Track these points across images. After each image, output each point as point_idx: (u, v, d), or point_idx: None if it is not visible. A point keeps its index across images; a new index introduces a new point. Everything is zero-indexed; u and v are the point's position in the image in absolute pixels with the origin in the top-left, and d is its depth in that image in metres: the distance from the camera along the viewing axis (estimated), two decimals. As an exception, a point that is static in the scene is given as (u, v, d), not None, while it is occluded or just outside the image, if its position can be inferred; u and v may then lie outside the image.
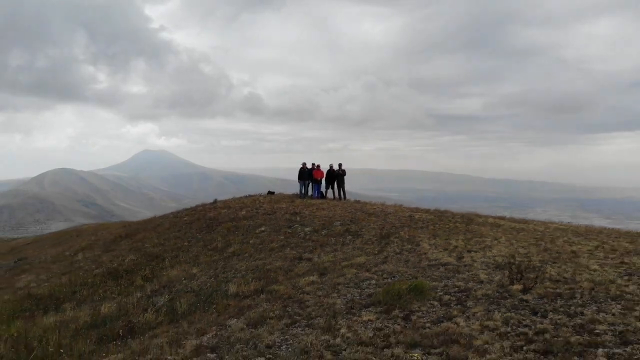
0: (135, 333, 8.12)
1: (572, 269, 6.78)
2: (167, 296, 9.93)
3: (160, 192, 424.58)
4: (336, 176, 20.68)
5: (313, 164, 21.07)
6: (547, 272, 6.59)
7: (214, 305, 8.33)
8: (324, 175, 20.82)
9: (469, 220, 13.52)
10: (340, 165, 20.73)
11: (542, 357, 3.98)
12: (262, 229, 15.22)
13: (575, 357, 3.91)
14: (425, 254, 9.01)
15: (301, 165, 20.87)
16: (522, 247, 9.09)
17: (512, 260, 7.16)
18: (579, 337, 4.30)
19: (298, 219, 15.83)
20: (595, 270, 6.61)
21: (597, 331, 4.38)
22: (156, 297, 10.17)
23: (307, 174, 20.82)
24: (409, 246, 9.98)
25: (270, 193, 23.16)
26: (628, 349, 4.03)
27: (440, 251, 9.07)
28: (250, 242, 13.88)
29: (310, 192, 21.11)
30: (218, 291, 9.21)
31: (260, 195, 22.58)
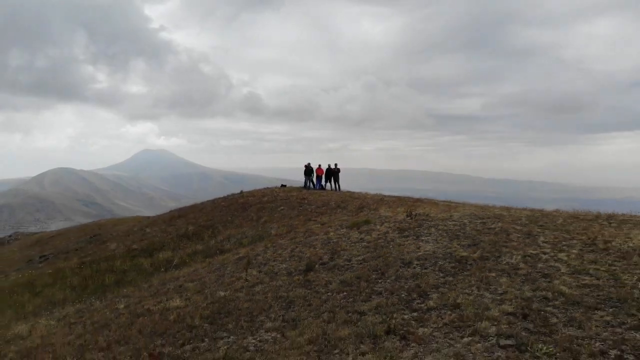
0: (225, 252, 15.39)
1: (442, 214, 14.01)
2: (233, 240, 17.24)
3: (160, 192, 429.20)
4: (333, 173, 27.99)
5: (309, 164, 28.51)
6: (429, 215, 13.83)
7: (265, 239, 15.61)
8: (324, 172, 28.14)
9: (418, 200, 20.76)
10: (336, 164, 28.08)
11: (399, 231, 11.29)
12: (282, 207, 22.49)
13: (410, 229, 11.19)
14: (380, 213, 16.27)
15: (306, 165, 28.21)
16: (433, 210, 16.33)
17: (414, 212, 14.42)
18: (411, 225, 11.59)
19: (306, 201, 23.07)
20: (449, 213, 13.85)
21: (424, 224, 11.64)
22: (226, 241, 17.48)
23: (311, 171, 28.14)
24: (373, 211, 17.22)
25: (283, 186, 30.42)
26: (432, 233, 11.27)
27: (388, 212, 16.30)
28: (275, 215, 21.15)
29: (312, 185, 28.41)
30: (265, 234, 16.51)
31: (276, 188, 29.85)
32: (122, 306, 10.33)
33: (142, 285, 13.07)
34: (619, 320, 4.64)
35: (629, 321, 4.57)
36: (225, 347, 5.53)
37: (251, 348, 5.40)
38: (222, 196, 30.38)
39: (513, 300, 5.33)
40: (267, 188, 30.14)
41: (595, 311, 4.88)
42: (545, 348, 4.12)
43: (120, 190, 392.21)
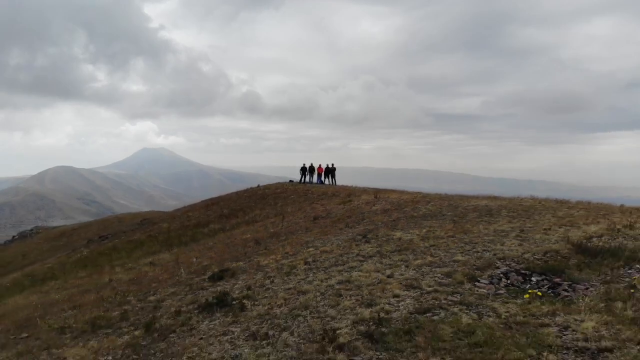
0: (259, 222, 23.71)
1: (396, 196, 22.32)
2: (262, 216, 25.60)
3: (160, 190, 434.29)
4: (330, 171, 36.40)
5: (312, 164, 36.99)
6: (388, 197, 22.16)
7: (282, 214, 23.95)
8: (323, 170, 36.56)
9: (392, 190, 29.11)
10: (332, 164, 36.52)
11: (365, 203, 19.62)
12: (292, 196, 30.84)
13: (372, 202, 19.51)
14: (360, 197, 24.64)
15: (309, 164, 36.76)
16: (393, 195, 24.67)
17: (380, 195, 22.75)
18: (373, 201, 19.93)
19: (310, 192, 31.41)
20: (401, 196, 22.14)
21: (381, 200, 19.98)
22: (257, 216, 25.81)
23: (312, 169, 36.63)
24: (357, 197, 25.53)
25: (291, 181, 38.82)
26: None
27: (366, 196, 24.66)
28: (288, 201, 29.49)
29: (314, 180, 36.83)
30: (283, 212, 24.85)
31: (285, 183, 38.26)
32: (211, 243, 18.71)
33: (211, 240, 21.40)
34: (411, 218, 13.03)
35: (413, 217, 12.94)
36: (284, 238, 13.86)
37: (295, 237, 13.72)
38: (243, 189, 38.82)
39: (393, 217, 13.65)
40: (279, 183, 38.62)
41: (419, 219, 13.18)
42: (385, 224, 12.57)
43: (120, 189, 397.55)
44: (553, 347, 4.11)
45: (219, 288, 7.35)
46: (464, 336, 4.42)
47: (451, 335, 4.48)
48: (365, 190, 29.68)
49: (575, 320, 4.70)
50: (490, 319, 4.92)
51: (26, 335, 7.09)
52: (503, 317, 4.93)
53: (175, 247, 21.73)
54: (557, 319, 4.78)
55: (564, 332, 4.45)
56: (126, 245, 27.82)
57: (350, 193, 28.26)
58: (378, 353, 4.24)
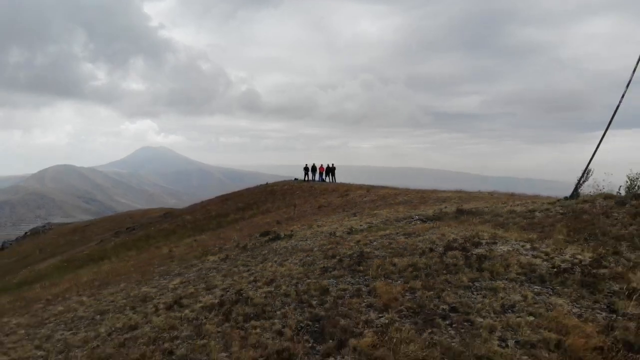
0: (272, 212, 28.93)
1: (385, 192, 27.58)
2: (274, 207, 30.85)
3: (160, 188, 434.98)
4: (330, 170, 41.70)
5: (314, 164, 42.28)
6: (378, 191, 27.43)
7: (292, 205, 29.18)
8: (325, 169, 41.87)
9: (383, 187, 34.42)
10: (332, 163, 41.84)
11: (360, 196, 24.94)
12: (298, 192, 36.09)
13: (365, 195, 24.80)
14: (356, 192, 29.94)
15: (311, 164, 42.02)
16: (382, 191, 29.95)
17: (371, 190, 28.02)
18: (366, 194, 25.21)
19: (313, 188, 36.65)
20: (387, 191, 27.41)
21: (372, 193, 25.25)
22: (270, 208, 31.06)
23: (314, 168, 41.92)
24: (352, 192, 30.87)
25: (296, 179, 44.12)
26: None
27: (360, 191, 29.96)
28: (295, 196, 34.71)
29: (316, 178, 42.12)
30: (292, 204, 30.10)
31: (290, 181, 43.54)
32: (238, 227, 23.96)
33: (237, 225, 26.62)
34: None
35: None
36: (298, 219, 19.10)
37: (306, 218, 18.95)
38: (253, 186, 44.16)
39: (377, 204, 18.91)
40: (285, 181, 43.96)
41: (394, 205, 18.46)
42: (370, 208, 17.85)
43: (121, 187, 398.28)
44: (405, 229, 9.90)
45: (269, 237, 12.60)
46: (378, 227, 10.74)
47: (375, 229, 10.49)
48: (360, 187, 35.02)
49: (422, 227, 10.48)
50: (392, 225, 10.88)
51: (158, 265, 12.22)
52: (398, 225, 10.82)
53: (206, 232, 26.90)
54: (415, 225, 10.55)
55: (413, 227, 10.23)
56: (159, 233, 33.01)
57: (348, 189, 33.57)
58: (350, 236, 9.77)
